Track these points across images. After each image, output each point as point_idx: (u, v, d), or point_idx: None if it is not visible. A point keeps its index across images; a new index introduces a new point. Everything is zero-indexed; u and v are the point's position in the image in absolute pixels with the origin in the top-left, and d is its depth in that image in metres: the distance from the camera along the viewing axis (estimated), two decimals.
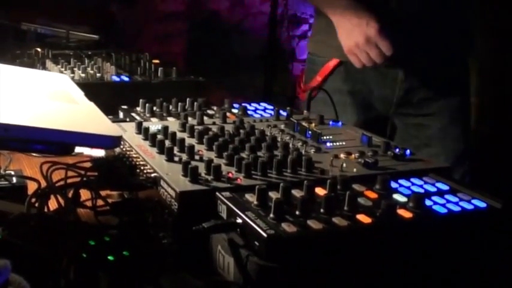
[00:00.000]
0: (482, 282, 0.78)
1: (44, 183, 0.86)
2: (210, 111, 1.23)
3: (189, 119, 1.11)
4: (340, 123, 1.17)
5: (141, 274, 0.73)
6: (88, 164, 0.91)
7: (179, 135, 0.97)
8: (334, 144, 1.03)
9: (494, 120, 2.64)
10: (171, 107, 1.22)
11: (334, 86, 1.53)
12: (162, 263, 0.76)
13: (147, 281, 0.72)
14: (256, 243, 0.67)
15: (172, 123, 1.08)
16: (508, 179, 2.34)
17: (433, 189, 0.84)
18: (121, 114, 1.21)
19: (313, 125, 1.11)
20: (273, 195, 0.76)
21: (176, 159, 0.89)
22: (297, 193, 0.78)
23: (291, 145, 0.99)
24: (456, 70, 1.58)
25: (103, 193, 0.89)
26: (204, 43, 3.16)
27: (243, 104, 1.26)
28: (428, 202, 0.78)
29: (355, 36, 1.40)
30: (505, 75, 2.65)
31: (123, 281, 0.72)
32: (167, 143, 0.94)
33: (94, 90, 1.18)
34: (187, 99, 1.25)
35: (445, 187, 0.85)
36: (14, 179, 0.94)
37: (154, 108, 1.21)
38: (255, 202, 0.74)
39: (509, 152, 2.54)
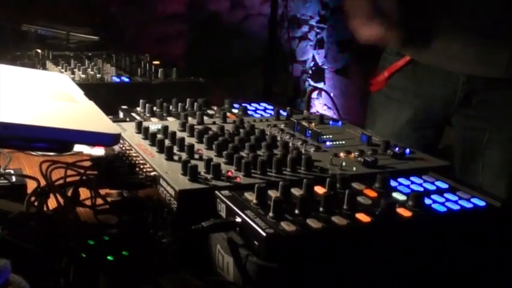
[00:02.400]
0: (481, 280, 0.77)
1: (43, 182, 0.86)
2: (210, 111, 1.23)
3: (189, 119, 1.12)
4: (340, 122, 1.17)
5: (141, 274, 0.73)
6: (87, 163, 0.91)
7: (179, 134, 0.97)
8: (334, 143, 1.03)
9: None
10: (171, 107, 1.22)
11: (400, 85, 1.58)
12: (162, 263, 0.76)
13: (147, 280, 0.72)
14: (256, 242, 0.67)
15: (172, 123, 1.08)
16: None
17: (432, 187, 0.84)
18: (121, 114, 1.21)
19: (313, 124, 1.11)
20: (273, 194, 0.76)
21: (176, 158, 0.89)
22: (296, 192, 0.78)
23: (290, 144, 0.99)
24: None
25: (102, 192, 0.89)
26: (204, 44, 3.16)
27: (243, 104, 1.26)
28: (427, 201, 0.78)
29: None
30: None
31: (122, 281, 0.72)
32: (167, 142, 0.94)
33: (94, 91, 1.18)
34: (188, 99, 1.26)
35: (444, 186, 0.85)
36: (14, 178, 0.94)
37: (155, 108, 1.21)
38: (254, 201, 0.74)
39: None
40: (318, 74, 3.66)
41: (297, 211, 0.72)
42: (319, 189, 0.79)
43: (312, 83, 3.62)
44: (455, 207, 0.78)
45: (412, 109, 1.57)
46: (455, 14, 1.44)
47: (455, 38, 1.46)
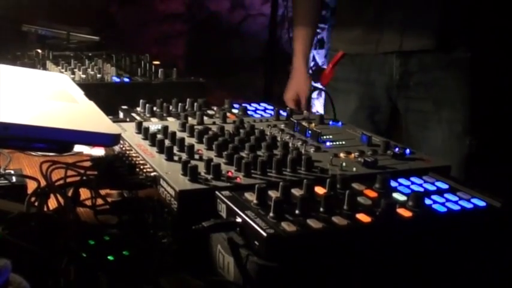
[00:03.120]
0: (481, 281, 0.77)
1: (43, 183, 0.86)
2: (210, 112, 1.23)
3: (189, 119, 1.11)
4: (340, 122, 1.17)
5: (141, 273, 0.73)
6: (88, 163, 0.91)
7: (179, 134, 0.97)
8: (334, 143, 1.03)
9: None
10: (171, 108, 1.22)
11: (343, 76, 1.74)
12: (162, 263, 0.76)
13: (147, 280, 0.72)
14: (256, 242, 0.67)
15: (172, 123, 1.08)
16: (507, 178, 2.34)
17: (432, 188, 0.84)
18: (121, 115, 1.21)
19: (313, 124, 1.11)
20: (273, 194, 0.76)
21: (176, 158, 0.89)
22: (296, 192, 0.78)
23: (290, 144, 0.99)
24: (457, 53, 1.63)
25: (103, 192, 0.89)
26: (204, 44, 3.16)
27: (243, 104, 1.26)
28: (427, 201, 0.78)
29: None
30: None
31: (122, 281, 0.72)
32: (167, 142, 0.94)
33: (94, 91, 1.18)
34: (188, 99, 1.26)
35: (444, 186, 0.85)
36: (14, 178, 0.94)
37: (155, 108, 1.21)
38: (255, 201, 0.74)
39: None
40: (318, 74, 3.66)
41: (297, 211, 0.72)
42: (320, 190, 0.79)
43: (312, 83, 3.61)
44: (456, 207, 0.78)
45: (357, 97, 1.72)
46: None
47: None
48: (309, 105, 1.53)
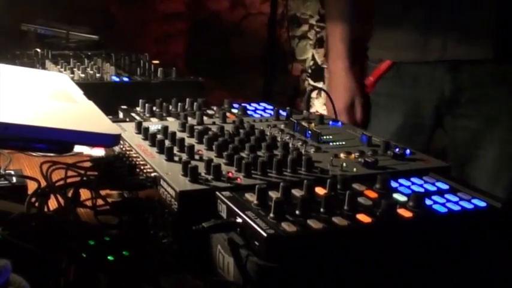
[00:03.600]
0: (482, 281, 0.78)
1: (44, 183, 0.86)
2: (209, 111, 1.23)
3: (189, 119, 1.11)
4: (339, 123, 1.17)
5: (141, 274, 0.73)
6: (88, 164, 0.91)
7: (179, 135, 0.97)
8: (334, 143, 1.03)
9: None
10: (170, 107, 1.21)
11: (385, 90, 1.57)
12: (162, 263, 0.76)
13: (147, 280, 0.72)
14: (256, 242, 0.67)
15: (172, 123, 1.08)
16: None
17: (433, 188, 0.84)
18: (121, 114, 1.21)
19: (313, 124, 1.11)
20: (273, 194, 0.76)
21: (176, 158, 0.89)
22: (297, 193, 0.78)
23: (290, 145, 0.99)
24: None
25: (103, 193, 0.89)
26: (204, 43, 3.16)
27: (243, 104, 1.26)
28: (428, 201, 0.78)
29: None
30: None
31: (123, 281, 0.72)
32: (167, 142, 0.94)
33: (94, 90, 1.17)
34: (187, 99, 1.25)
35: (445, 186, 0.85)
36: (14, 179, 0.94)
37: (154, 108, 1.21)
38: (255, 202, 0.74)
39: None
40: (318, 73, 3.66)
41: (297, 212, 0.72)
42: (320, 190, 0.79)
43: (311, 82, 3.62)
44: (456, 208, 0.78)
45: (401, 115, 1.55)
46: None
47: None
48: (308, 105, 1.47)
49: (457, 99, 1.49)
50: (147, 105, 1.19)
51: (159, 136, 0.96)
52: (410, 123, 1.56)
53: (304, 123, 1.09)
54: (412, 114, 1.55)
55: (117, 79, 1.51)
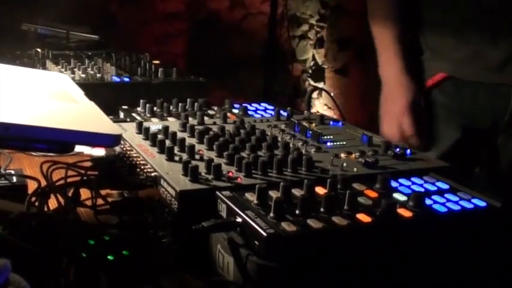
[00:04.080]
0: (482, 281, 0.78)
1: (44, 183, 0.86)
2: (210, 112, 1.23)
3: (190, 119, 1.11)
4: (340, 123, 1.17)
5: (141, 273, 0.73)
6: (88, 164, 0.91)
7: (179, 135, 0.97)
8: (335, 143, 1.03)
9: None
10: (171, 107, 1.22)
11: (442, 101, 1.47)
12: (162, 263, 0.76)
13: (147, 280, 0.72)
14: (256, 242, 0.67)
15: (173, 123, 1.08)
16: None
17: (433, 188, 0.84)
18: (121, 115, 1.21)
19: (313, 124, 1.11)
20: (273, 194, 0.76)
21: (176, 158, 0.89)
22: (297, 192, 0.78)
23: (291, 145, 0.99)
24: None
25: (103, 192, 0.89)
26: (204, 43, 3.16)
27: (244, 104, 1.26)
28: (428, 201, 0.78)
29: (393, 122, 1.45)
30: None
31: (122, 281, 0.72)
32: (167, 142, 0.94)
33: (94, 90, 1.18)
34: (188, 99, 1.26)
35: (445, 186, 0.85)
36: (14, 178, 0.94)
37: (155, 108, 1.21)
38: (255, 201, 0.74)
39: None
40: (318, 73, 3.66)
41: (297, 211, 0.72)
42: (320, 190, 0.79)
43: (312, 82, 3.62)
44: (456, 207, 0.78)
45: (458, 129, 1.45)
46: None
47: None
48: (309, 106, 1.42)
49: None
50: (147, 105, 1.19)
51: (160, 136, 0.96)
52: (466, 138, 1.44)
53: (305, 124, 1.09)
54: (469, 130, 1.44)
55: (117, 79, 1.51)
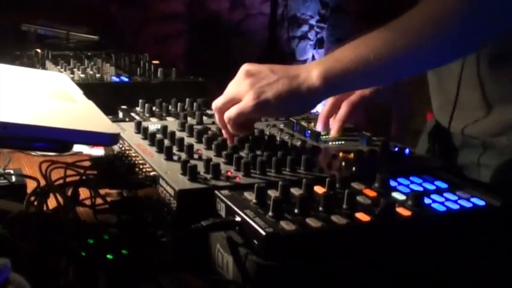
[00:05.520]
0: (481, 280, 0.78)
1: (43, 182, 0.86)
2: (209, 111, 1.23)
3: (189, 119, 1.12)
4: None
5: (140, 272, 0.73)
6: (87, 163, 0.91)
7: (178, 134, 0.97)
8: (333, 143, 1.03)
9: None
10: (170, 107, 1.22)
11: None
12: (161, 262, 0.76)
13: (146, 279, 0.72)
14: (255, 241, 0.67)
15: (172, 123, 1.08)
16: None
17: (432, 187, 0.84)
18: (120, 114, 1.21)
19: (312, 124, 1.11)
20: (272, 193, 0.76)
21: (175, 158, 0.89)
22: (295, 191, 0.78)
23: (290, 144, 0.99)
24: None
25: (102, 192, 0.89)
26: (204, 44, 3.16)
27: None
28: (427, 200, 0.78)
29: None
30: None
31: (122, 280, 0.72)
32: (166, 142, 0.94)
33: (94, 90, 1.18)
34: (187, 99, 1.26)
35: (444, 185, 0.85)
36: (13, 178, 0.94)
37: (154, 108, 1.21)
38: (254, 200, 0.74)
39: None
40: None
41: (296, 210, 0.72)
42: (319, 189, 0.79)
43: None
44: (455, 206, 0.78)
45: None
46: None
47: None
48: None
49: None
50: (146, 105, 1.19)
51: (159, 135, 0.96)
52: None
53: (303, 123, 1.09)
54: None
55: (117, 79, 1.51)
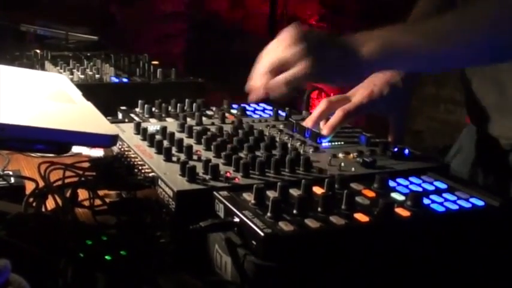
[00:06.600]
0: (480, 280, 0.77)
1: (42, 183, 0.86)
2: (209, 112, 1.23)
3: (188, 119, 1.11)
4: None
5: (139, 274, 0.73)
6: (86, 164, 0.91)
7: (177, 135, 0.97)
8: (333, 143, 1.03)
9: None
10: (170, 108, 1.21)
11: None
12: (160, 263, 0.76)
13: (145, 280, 0.72)
14: (254, 242, 0.67)
15: (171, 124, 1.08)
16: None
17: (431, 187, 0.84)
18: (120, 115, 1.21)
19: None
20: (271, 194, 0.76)
21: (174, 159, 0.89)
22: (294, 192, 0.78)
23: (289, 145, 0.99)
24: None
25: (101, 193, 0.89)
26: (204, 44, 3.16)
27: (242, 105, 1.26)
28: (426, 201, 0.78)
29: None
30: None
31: (120, 281, 0.72)
32: (165, 143, 0.94)
33: (93, 91, 1.18)
34: (186, 100, 1.25)
35: (443, 186, 0.85)
36: (12, 179, 0.94)
37: (153, 109, 1.21)
38: (253, 201, 0.74)
39: None
40: None
41: (295, 211, 0.72)
42: (318, 190, 0.79)
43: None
44: (454, 207, 0.78)
45: None
46: None
47: None
48: (307, 106, 1.40)
49: None
50: (146, 106, 1.19)
51: (158, 137, 0.96)
52: None
53: (303, 124, 1.09)
54: None
55: (116, 80, 1.51)
